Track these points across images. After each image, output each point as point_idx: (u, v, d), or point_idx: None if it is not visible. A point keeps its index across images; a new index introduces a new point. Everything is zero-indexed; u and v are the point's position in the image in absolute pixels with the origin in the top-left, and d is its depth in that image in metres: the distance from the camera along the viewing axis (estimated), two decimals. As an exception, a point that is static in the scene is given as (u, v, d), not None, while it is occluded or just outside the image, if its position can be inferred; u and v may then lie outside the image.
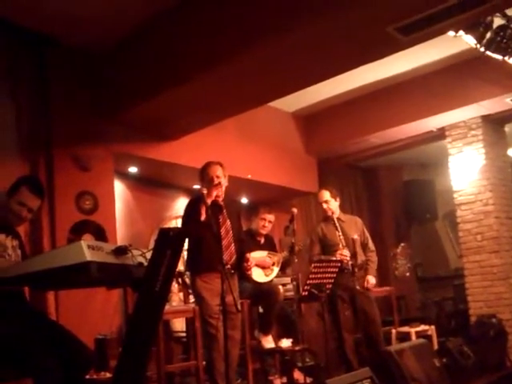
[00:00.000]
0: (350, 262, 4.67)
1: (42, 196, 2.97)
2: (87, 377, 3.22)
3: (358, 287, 4.71)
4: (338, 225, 4.81)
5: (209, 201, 3.79)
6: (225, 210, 4.03)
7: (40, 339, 2.55)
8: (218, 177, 4.01)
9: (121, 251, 2.50)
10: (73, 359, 2.58)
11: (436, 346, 5.29)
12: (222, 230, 3.94)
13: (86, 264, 2.26)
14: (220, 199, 3.99)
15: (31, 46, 4.67)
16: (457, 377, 4.22)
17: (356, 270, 4.71)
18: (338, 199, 4.99)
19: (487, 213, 6.25)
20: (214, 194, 3.88)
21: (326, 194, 4.94)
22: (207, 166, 4.12)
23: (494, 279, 6.16)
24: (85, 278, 2.40)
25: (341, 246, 4.71)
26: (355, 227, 5.00)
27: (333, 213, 4.89)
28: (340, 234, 4.76)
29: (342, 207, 5.15)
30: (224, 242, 3.90)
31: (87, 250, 2.28)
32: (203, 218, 3.76)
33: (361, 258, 4.87)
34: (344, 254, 4.68)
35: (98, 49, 4.87)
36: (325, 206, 4.91)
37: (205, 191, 3.75)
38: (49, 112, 4.67)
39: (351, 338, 4.86)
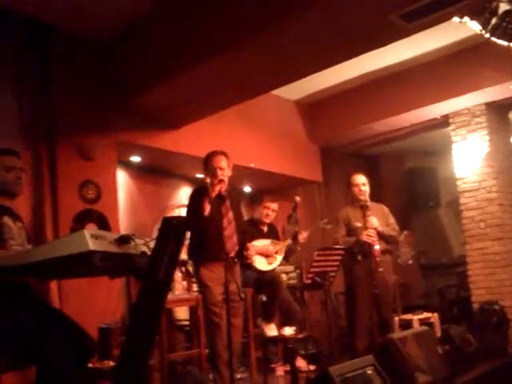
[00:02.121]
0: (376, 243, 4.70)
1: (17, 153, 2.97)
2: (90, 365, 3.24)
3: (380, 269, 4.71)
4: (367, 206, 4.83)
5: (212, 194, 3.77)
6: (228, 201, 3.98)
7: (51, 328, 2.56)
8: (221, 168, 3.93)
9: (124, 240, 2.49)
10: (75, 347, 2.58)
11: (439, 334, 5.30)
12: (225, 221, 3.91)
13: (88, 253, 2.24)
14: (223, 189, 3.92)
15: (34, 35, 4.65)
16: (459, 364, 4.23)
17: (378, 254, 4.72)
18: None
19: (491, 200, 6.24)
20: (217, 189, 3.85)
21: (363, 178, 4.99)
22: (211, 155, 4.03)
23: (497, 266, 6.16)
24: (88, 268, 2.40)
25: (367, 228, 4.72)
26: (381, 214, 5.00)
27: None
28: (369, 215, 4.78)
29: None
30: (226, 233, 3.87)
31: (90, 239, 2.27)
32: (207, 212, 3.74)
33: (383, 244, 4.88)
34: (370, 234, 4.71)
35: (102, 38, 4.85)
36: (363, 188, 4.93)
37: (208, 180, 3.74)
38: (52, 101, 4.66)
39: (363, 327, 4.87)
